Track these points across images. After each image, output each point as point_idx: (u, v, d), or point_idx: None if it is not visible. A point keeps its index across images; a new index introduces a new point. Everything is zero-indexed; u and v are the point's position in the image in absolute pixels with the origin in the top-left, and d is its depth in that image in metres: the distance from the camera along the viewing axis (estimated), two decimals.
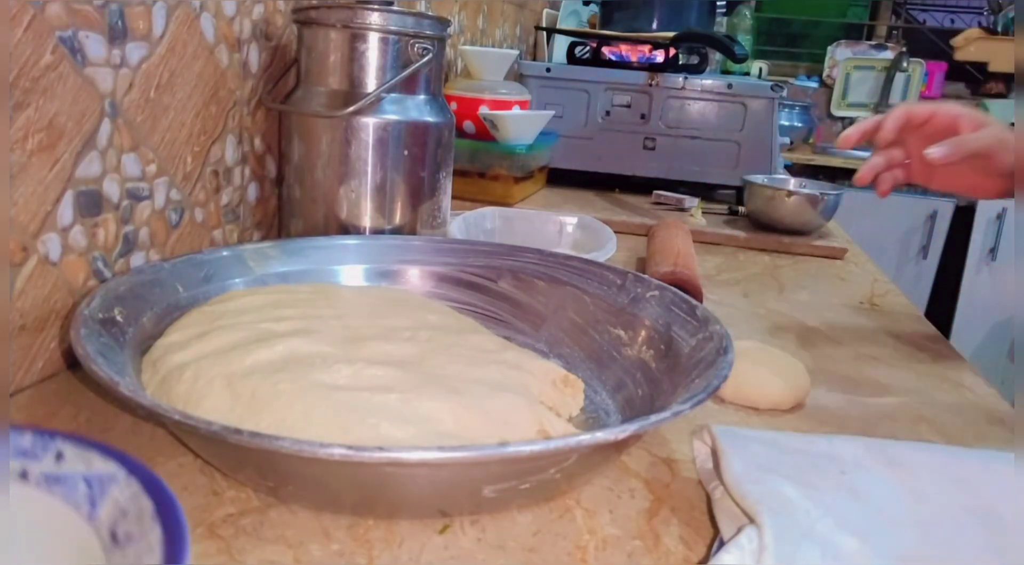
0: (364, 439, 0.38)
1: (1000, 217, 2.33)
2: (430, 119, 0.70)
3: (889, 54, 2.74)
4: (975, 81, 2.84)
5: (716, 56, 1.90)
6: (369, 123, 0.67)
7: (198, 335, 0.47)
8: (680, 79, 1.25)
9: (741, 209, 1.17)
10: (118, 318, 0.46)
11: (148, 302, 0.50)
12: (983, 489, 0.40)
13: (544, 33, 1.83)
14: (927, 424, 0.55)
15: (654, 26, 1.39)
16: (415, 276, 0.65)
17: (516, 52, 1.24)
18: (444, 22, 0.70)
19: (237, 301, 0.53)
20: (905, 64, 2.61)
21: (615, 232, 0.83)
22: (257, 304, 0.53)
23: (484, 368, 0.47)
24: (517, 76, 1.31)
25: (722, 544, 0.36)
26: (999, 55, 2.60)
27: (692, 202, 1.18)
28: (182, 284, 0.54)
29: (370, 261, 0.65)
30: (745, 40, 2.59)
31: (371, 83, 0.67)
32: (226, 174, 0.68)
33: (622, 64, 1.33)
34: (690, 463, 0.45)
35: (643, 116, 1.27)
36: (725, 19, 2.36)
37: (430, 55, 0.69)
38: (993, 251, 2.35)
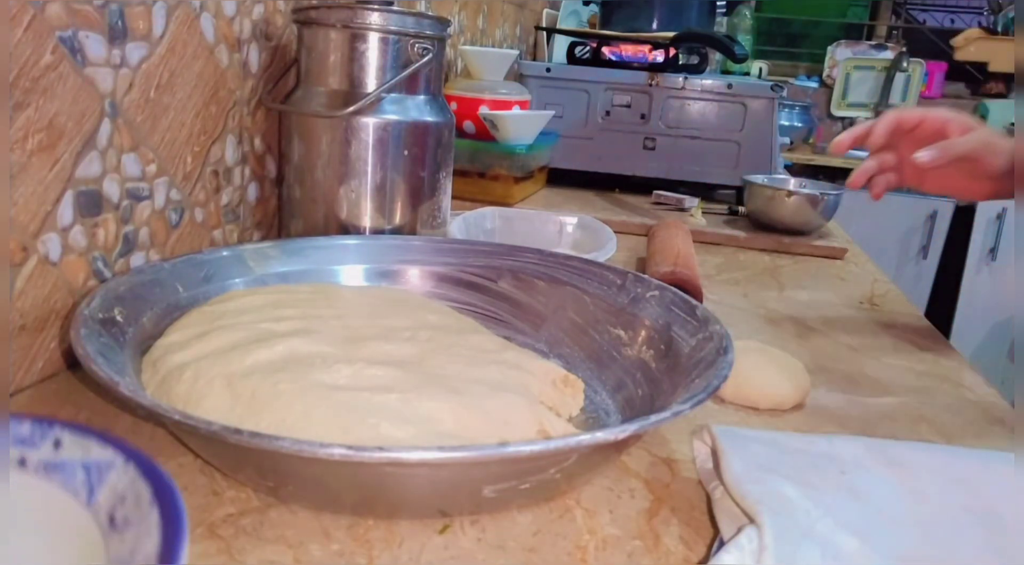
0: (364, 439, 0.38)
1: (1000, 217, 2.33)
2: (430, 119, 0.70)
3: (889, 54, 2.74)
4: (975, 81, 2.84)
5: (716, 56, 1.90)
6: (369, 123, 0.67)
7: (198, 335, 0.47)
8: (680, 79, 1.25)
9: (741, 209, 1.17)
10: (118, 318, 0.46)
11: (148, 302, 0.50)
12: (983, 489, 0.40)
13: (544, 33, 1.83)
14: (927, 424, 0.56)
15: (654, 26, 1.39)
16: (415, 276, 0.65)
17: (516, 52, 1.24)
18: (444, 22, 0.70)
19: (237, 301, 0.53)
20: (905, 64, 2.61)
21: (615, 232, 0.83)
22: (257, 304, 0.53)
23: (484, 368, 0.47)
24: (517, 76, 1.31)
25: (722, 544, 0.36)
26: (999, 55, 2.60)
27: (692, 202, 1.18)
28: (182, 284, 0.54)
29: (370, 261, 0.65)
30: (745, 40, 2.59)
31: (371, 83, 0.67)
32: (226, 174, 0.68)
33: (622, 64, 1.33)
34: (690, 463, 0.45)
35: (643, 116, 1.27)
36: (725, 19, 2.36)
37: (430, 55, 0.69)
38: (993, 251, 2.35)
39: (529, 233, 0.88)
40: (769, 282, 0.90)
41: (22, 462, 0.28)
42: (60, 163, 0.49)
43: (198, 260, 0.56)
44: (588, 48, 1.39)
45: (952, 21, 2.95)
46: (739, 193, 1.21)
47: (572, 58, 1.40)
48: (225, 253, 0.59)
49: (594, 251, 0.75)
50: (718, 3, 1.56)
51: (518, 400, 0.44)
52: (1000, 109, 2.63)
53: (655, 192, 1.23)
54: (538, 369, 0.50)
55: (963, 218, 2.39)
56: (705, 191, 1.28)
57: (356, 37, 0.66)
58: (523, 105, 1.18)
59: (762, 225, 1.09)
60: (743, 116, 1.24)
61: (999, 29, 2.64)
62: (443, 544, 0.37)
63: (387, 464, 0.33)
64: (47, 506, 0.27)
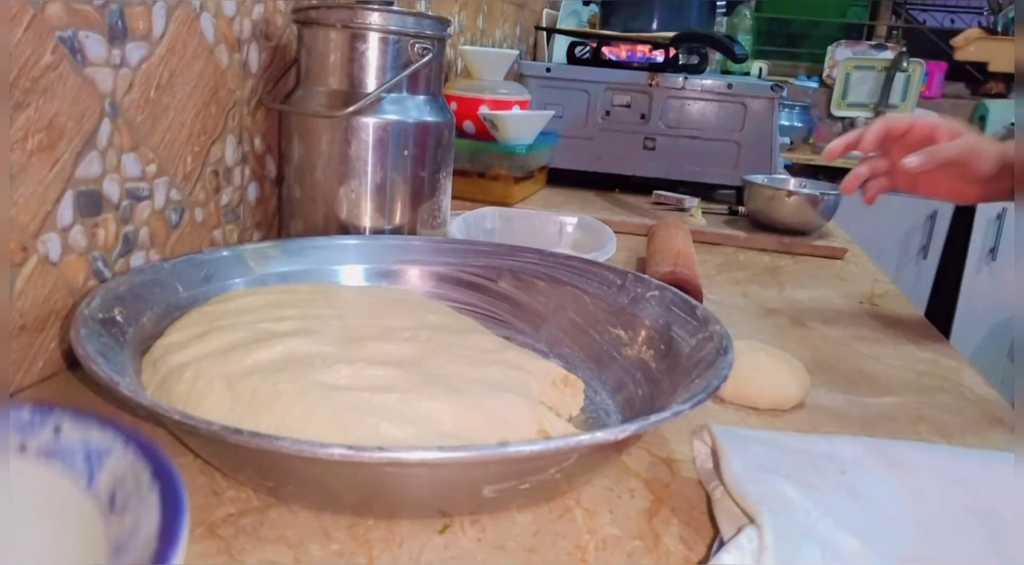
0: (364, 439, 0.38)
1: (1000, 217, 2.33)
2: (430, 119, 0.70)
3: (889, 54, 2.74)
4: (975, 81, 2.84)
5: (716, 56, 1.90)
6: (369, 123, 0.67)
7: (198, 335, 0.47)
8: (680, 79, 1.25)
9: (741, 209, 1.17)
10: (118, 318, 0.46)
11: (148, 302, 0.50)
12: (983, 489, 0.40)
13: (544, 33, 1.83)
14: (927, 424, 0.56)
15: (654, 26, 1.39)
16: (415, 276, 0.65)
17: (516, 52, 1.24)
18: (444, 22, 0.70)
19: (237, 301, 0.53)
20: (905, 64, 2.61)
21: (615, 232, 0.83)
22: (257, 304, 0.53)
23: (484, 368, 0.47)
24: (517, 76, 1.31)
25: (722, 544, 0.36)
26: (999, 55, 2.60)
27: (692, 202, 1.18)
28: (182, 284, 0.54)
29: (370, 261, 0.65)
30: (745, 40, 2.59)
31: (371, 83, 0.67)
32: (226, 174, 0.68)
33: (622, 64, 1.33)
34: (690, 463, 0.45)
35: (643, 116, 1.27)
36: (725, 19, 2.36)
37: (430, 55, 0.69)
38: (993, 251, 2.35)
39: (529, 233, 0.88)
40: (769, 282, 0.90)
41: (22, 448, 0.28)
42: (60, 163, 0.49)
43: (198, 260, 0.56)
44: (588, 48, 1.39)
45: (952, 21, 2.95)
46: (739, 193, 1.21)
47: (572, 58, 1.40)
48: (225, 253, 0.59)
49: (594, 251, 0.75)
50: (718, 3, 1.56)
51: (518, 400, 0.44)
52: (1000, 109, 2.63)
53: (655, 192, 1.23)
54: (538, 369, 0.50)
55: (963, 218, 2.39)
56: (705, 191, 1.28)
57: (356, 37, 0.66)
58: (523, 105, 1.18)
59: (762, 225, 1.09)
60: (743, 116, 1.24)
61: (999, 29, 2.64)
62: (443, 544, 0.37)
63: (387, 464, 0.33)
64: (47, 491, 0.27)
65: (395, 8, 0.67)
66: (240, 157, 0.70)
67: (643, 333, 0.54)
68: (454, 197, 0.86)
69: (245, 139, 0.71)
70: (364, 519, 0.38)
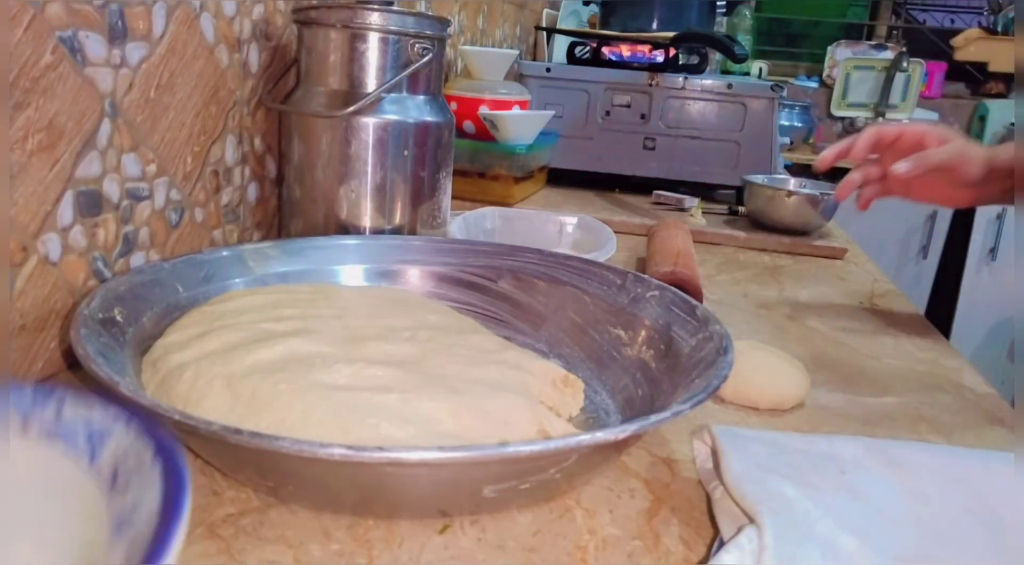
0: (364, 439, 0.38)
1: (1000, 217, 2.33)
2: (430, 119, 0.70)
3: (889, 54, 2.74)
4: (975, 81, 2.84)
5: (716, 56, 1.90)
6: (369, 123, 0.67)
7: (198, 335, 0.47)
8: (680, 79, 1.25)
9: (741, 209, 1.17)
10: (118, 318, 0.46)
11: (148, 302, 0.50)
12: (983, 489, 0.40)
13: (544, 33, 1.83)
14: (927, 424, 0.56)
15: (654, 26, 1.39)
16: (415, 276, 0.65)
17: (516, 52, 1.24)
18: (444, 22, 0.70)
19: (237, 301, 0.53)
20: (905, 64, 2.61)
21: (615, 232, 0.83)
22: (257, 304, 0.53)
23: (484, 368, 0.47)
24: (517, 76, 1.31)
25: (722, 544, 0.36)
26: (999, 55, 2.60)
27: (692, 202, 1.18)
28: (182, 284, 0.54)
29: (370, 261, 0.65)
30: (745, 40, 2.59)
31: (371, 83, 0.67)
32: (226, 174, 0.68)
33: (622, 64, 1.33)
34: (690, 463, 0.45)
35: (643, 116, 1.27)
36: (725, 19, 2.35)
37: (430, 55, 0.69)
38: (993, 251, 2.35)
39: (529, 233, 0.88)
40: (769, 282, 0.90)
41: (25, 427, 0.28)
42: (60, 163, 0.49)
43: (198, 260, 0.56)
44: (588, 48, 1.39)
45: (952, 21, 2.95)
46: (739, 193, 1.21)
47: (572, 58, 1.40)
48: (225, 253, 0.59)
49: (594, 251, 0.75)
50: (718, 3, 1.56)
51: (518, 400, 0.44)
52: (1000, 109, 2.63)
53: (655, 192, 1.23)
54: (538, 369, 0.50)
55: (963, 218, 2.39)
56: (705, 191, 1.28)
57: (356, 37, 0.66)
58: (523, 105, 1.18)
59: (762, 225, 1.09)
60: (743, 116, 1.24)
61: (999, 29, 2.64)
62: (443, 544, 0.37)
63: (387, 464, 0.33)
64: (50, 469, 0.28)
65: (395, 8, 0.67)
66: (240, 157, 0.70)
67: (643, 333, 0.54)
68: (454, 197, 0.86)
69: (245, 139, 0.71)
70: (364, 519, 0.38)
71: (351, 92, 0.67)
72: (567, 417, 0.49)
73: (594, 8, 1.79)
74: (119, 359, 0.42)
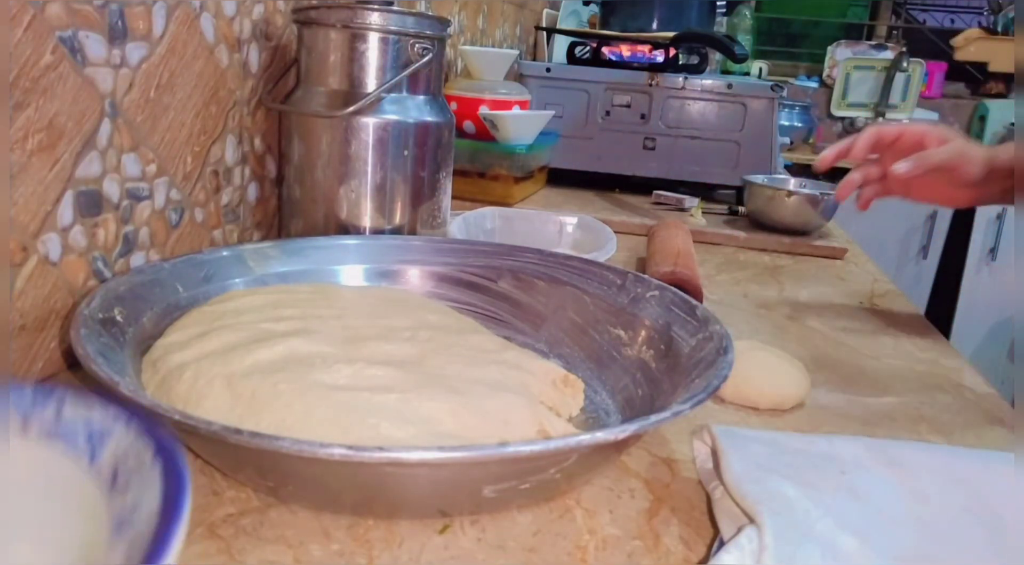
0: (364, 439, 0.38)
1: (1000, 217, 2.33)
2: (430, 119, 0.70)
3: (889, 54, 2.74)
4: (975, 81, 2.84)
5: (716, 56, 1.90)
6: (369, 123, 0.67)
7: (198, 335, 0.47)
8: (680, 79, 1.25)
9: (741, 209, 1.17)
10: (118, 318, 0.46)
11: (148, 302, 0.50)
12: (983, 489, 0.40)
13: (544, 33, 1.83)
14: (927, 424, 0.55)
15: (654, 26, 1.39)
16: (415, 276, 0.65)
17: (516, 52, 1.24)
18: (444, 22, 0.70)
19: (237, 301, 0.53)
20: (905, 64, 2.61)
21: (615, 232, 0.83)
22: (257, 304, 0.53)
23: (484, 368, 0.47)
24: (517, 76, 1.31)
25: (722, 544, 0.36)
26: (999, 55, 2.60)
27: (692, 202, 1.18)
28: (182, 284, 0.54)
29: (370, 261, 0.65)
30: (745, 40, 2.58)
31: (371, 83, 0.67)
32: (226, 174, 0.68)
33: (622, 64, 1.33)
34: (690, 463, 0.45)
35: (643, 116, 1.27)
36: (725, 19, 2.35)
37: (430, 55, 0.69)
38: (993, 251, 2.35)
39: (529, 233, 0.88)
40: (769, 282, 0.90)
41: (25, 426, 0.28)
42: (60, 163, 0.49)
43: (198, 260, 0.56)
44: (588, 48, 1.39)
45: (952, 21, 2.95)
46: (739, 193, 1.21)
47: (572, 58, 1.40)
48: (225, 253, 0.59)
49: (594, 251, 0.75)
50: (718, 3, 1.56)
51: (518, 400, 0.44)
52: (1000, 109, 2.63)
53: (655, 192, 1.23)
54: (538, 369, 0.50)
55: (963, 218, 2.39)
56: (705, 191, 1.28)
57: (356, 37, 0.66)
58: (523, 105, 1.18)
59: (762, 225, 1.09)
60: (743, 116, 1.24)
61: (999, 29, 2.64)
62: (443, 544, 0.37)
63: (387, 464, 0.33)
64: (50, 469, 0.28)
65: (395, 8, 0.67)
66: (240, 157, 0.70)
67: (643, 333, 0.54)
68: (454, 197, 0.86)
69: (245, 139, 0.71)
70: (364, 519, 0.38)
71: (351, 92, 0.67)
72: (567, 417, 0.49)
73: (594, 8, 1.79)
74: (119, 359, 0.42)
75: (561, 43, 1.79)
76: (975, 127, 2.74)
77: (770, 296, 0.84)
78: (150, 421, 0.27)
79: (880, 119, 2.72)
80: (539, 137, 1.16)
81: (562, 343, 0.59)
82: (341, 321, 0.52)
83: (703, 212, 1.15)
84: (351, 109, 0.66)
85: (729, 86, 1.24)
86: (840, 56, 2.81)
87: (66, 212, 0.50)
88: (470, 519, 0.39)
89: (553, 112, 1.19)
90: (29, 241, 0.47)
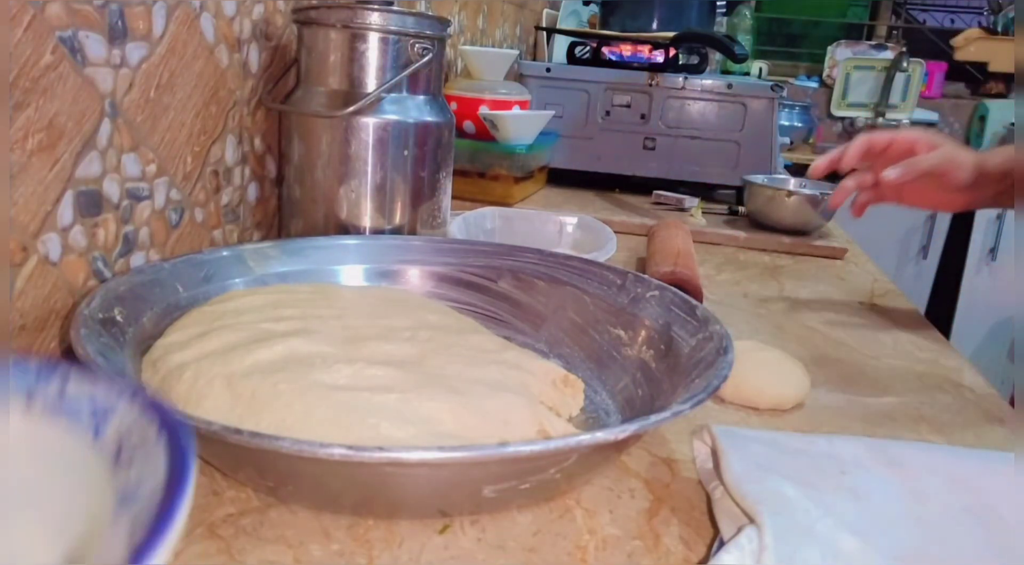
0: (364, 439, 0.38)
1: (1000, 217, 2.33)
2: (430, 119, 0.70)
3: (889, 54, 2.74)
4: (975, 81, 2.84)
5: (716, 56, 1.90)
6: (369, 123, 0.67)
7: (198, 335, 0.47)
8: (680, 79, 1.25)
9: (741, 209, 1.17)
10: (118, 318, 0.46)
11: (148, 302, 0.50)
12: (983, 489, 0.40)
13: (544, 33, 1.83)
14: (927, 424, 0.55)
15: (654, 26, 1.39)
16: (415, 276, 0.65)
17: (516, 52, 1.24)
18: (444, 22, 0.70)
19: (237, 301, 0.53)
20: (905, 64, 2.61)
21: (615, 232, 0.83)
22: (257, 304, 0.53)
23: (484, 368, 0.47)
24: (517, 76, 1.31)
25: (722, 544, 0.36)
26: (999, 55, 2.60)
27: (692, 202, 1.18)
28: (182, 284, 0.54)
29: (370, 261, 0.65)
30: (745, 40, 2.58)
31: (371, 83, 0.67)
32: (226, 174, 0.68)
33: (622, 64, 1.33)
34: (690, 463, 0.45)
35: (643, 116, 1.27)
36: (725, 19, 2.35)
37: (430, 55, 0.69)
38: (993, 251, 2.35)
39: (529, 233, 0.88)
40: (769, 282, 0.90)
41: (29, 401, 0.28)
42: (60, 163, 0.49)
43: (198, 260, 0.56)
44: (588, 48, 1.39)
45: (952, 21, 2.95)
46: (739, 193, 1.21)
47: (572, 58, 1.40)
48: (225, 253, 0.59)
49: (594, 251, 0.75)
50: (718, 3, 1.56)
51: (518, 400, 0.44)
52: (1000, 109, 2.63)
53: (655, 192, 1.23)
54: (538, 369, 0.50)
55: (963, 218, 2.39)
56: (705, 191, 1.28)
57: (356, 37, 0.66)
58: (523, 105, 1.18)
59: (762, 225, 1.09)
60: (743, 116, 1.24)
61: (999, 29, 2.64)
62: (443, 544, 0.37)
63: (387, 464, 0.33)
64: (54, 444, 0.28)
65: (395, 8, 0.67)
66: (240, 157, 0.70)
67: (643, 333, 0.54)
68: (454, 197, 0.86)
69: (245, 139, 0.71)
70: (364, 519, 0.38)
71: (351, 92, 0.67)
72: (567, 417, 0.49)
73: (594, 8, 1.79)
74: (119, 359, 0.42)
75: (561, 43, 1.79)
76: (975, 127, 2.74)
77: (770, 296, 0.84)
78: (155, 398, 0.27)
79: (880, 119, 2.72)
80: (539, 137, 1.16)
81: (562, 343, 0.59)
82: (341, 321, 0.52)
83: (703, 212, 1.15)
84: (351, 109, 0.66)
85: (729, 86, 1.24)
86: (840, 56, 2.81)
87: (66, 212, 0.50)
88: (470, 519, 0.39)
89: (553, 112, 1.19)
90: (29, 241, 0.47)
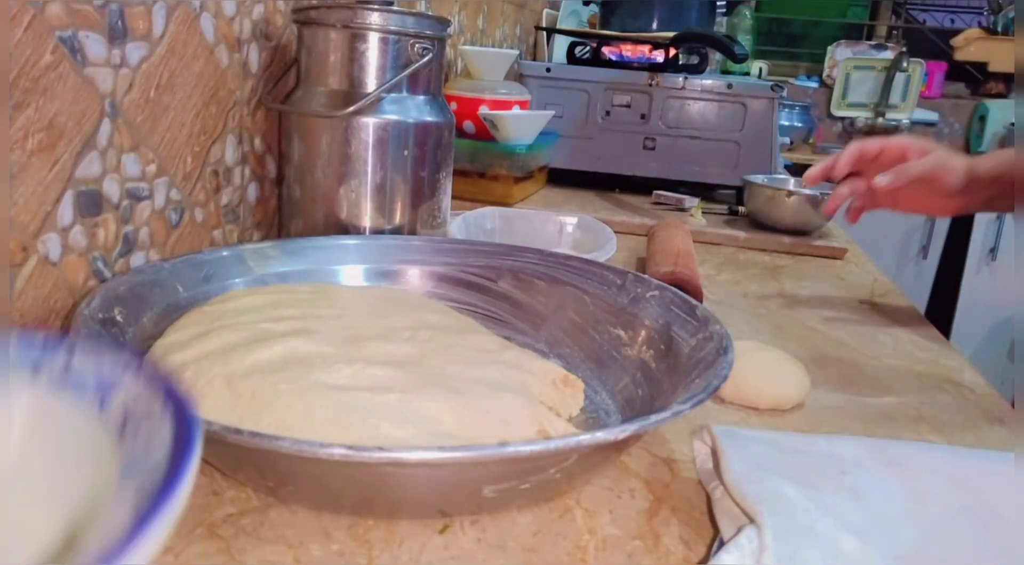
0: (364, 439, 0.38)
1: (1000, 217, 2.33)
2: (430, 119, 0.70)
3: (889, 54, 2.74)
4: (975, 81, 2.84)
5: (716, 56, 1.90)
6: (369, 123, 0.67)
7: (198, 335, 0.47)
8: (680, 79, 1.25)
9: (741, 209, 1.17)
10: (118, 318, 0.46)
11: (148, 302, 0.50)
12: (983, 489, 0.40)
13: (544, 33, 1.83)
14: (927, 424, 0.55)
15: (654, 26, 1.39)
16: (415, 276, 0.65)
17: (516, 52, 1.24)
18: (444, 22, 0.70)
19: (237, 301, 0.53)
20: (905, 64, 2.61)
21: (615, 232, 0.83)
22: (257, 304, 0.53)
23: (484, 368, 0.47)
24: (517, 76, 1.31)
25: (722, 544, 0.36)
26: (999, 55, 2.60)
27: (692, 202, 1.18)
28: (182, 284, 0.54)
29: (370, 261, 0.65)
30: (745, 40, 2.59)
31: (371, 83, 0.67)
32: (226, 174, 0.68)
33: (622, 64, 1.33)
34: (690, 463, 0.45)
35: (643, 116, 1.27)
36: (725, 19, 2.36)
37: (430, 55, 0.69)
38: (993, 251, 2.35)
39: (529, 233, 0.88)
40: (769, 282, 0.90)
41: (35, 373, 0.28)
42: (60, 163, 0.49)
43: (198, 260, 0.56)
44: (588, 48, 1.39)
45: (952, 21, 2.95)
46: (739, 193, 1.21)
47: (572, 58, 1.40)
48: (225, 253, 0.59)
49: (594, 251, 0.75)
50: (718, 3, 1.56)
51: (518, 400, 0.44)
52: (1000, 109, 2.63)
53: (655, 192, 1.23)
54: (538, 369, 0.50)
55: (963, 218, 2.39)
56: (705, 191, 1.28)
57: (356, 37, 0.66)
58: (523, 105, 1.18)
59: (762, 225, 1.09)
60: (743, 116, 1.24)
61: (999, 29, 2.64)
62: (443, 544, 0.37)
63: (387, 464, 0.33)
64: (59, 415, 0.28)
65: (395, 8, 0.67)
66: (240, 157, 0.70)
67: (643, 333, 0.54)
68: (454, 197, 0.86)
69: (245, 139, 0.71)
70: (364, 519, 0.38)
71: (351, 92, 0.67)
72: (567, 417, 0.49)
73: (594, 8, 1.79)
74: None
75: (561, 43, 1.79)
76: (975, 127, 2.74)
77: (770, 296, 0.84)
78: (161, 371, 0.27)
79: (880, 119, 2.72)
80: (539, 137, 1.16)
81: (562, 343, 0.59)
82: (341, 321, 0.52)
83: (703, 212, 1.15)
84: (351, 109, 0.66)
85: (729, 86, 1.24)
86: (840, 56, 2.81)
87: (66, 212, 0.50)
88: (470, 519, 0.39)
89: (553, 112, 1.19)
90: (29, 241, 0.47)
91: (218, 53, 0.64)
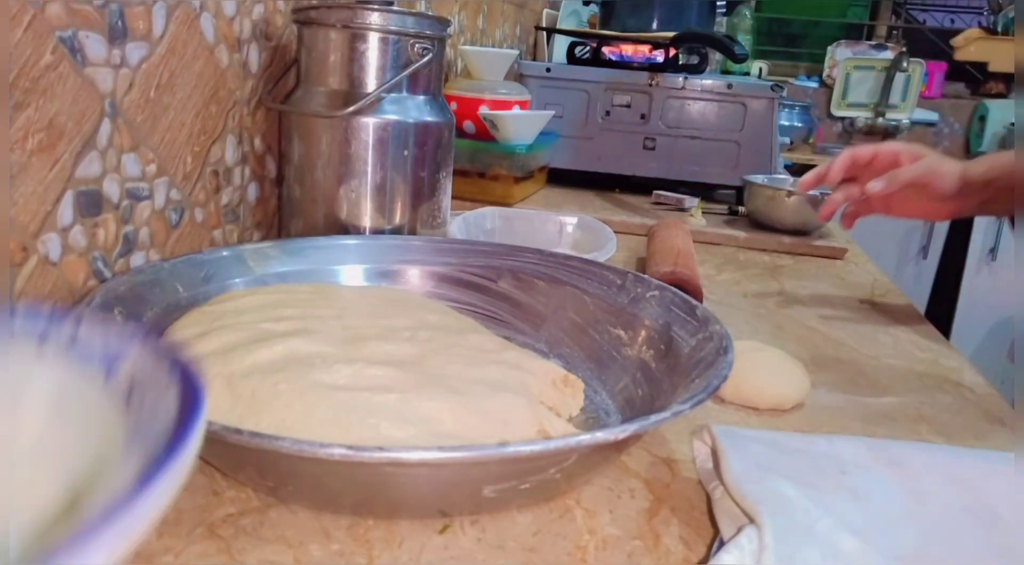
0: (364, 439, 0.38)
1: (999, 217, 2.33)
2: (430, 119, 0.70)
3: (889, 54, 2.74)
4: (975, 81, 2.84)
5: (716, 56, 1.90)
6: (369, 123, 0.67)
7: (198, 335, 0.47)
8: (680, 79, 1.25)
9: (741, 209, 1.17)
10: (118, 318, 0.46)
11: (148, 302, 0.50)
12: (983, 489, 0.40)
13: (544, 33, 1.83)
14: (927, 424, 0.55)
15: (654, 26, 1.39)
16: (415, 276, 0.65)
17: (516, 52, 1.24)
18: (444, 22, 0.70)
19: (237, 301, 0.53)
20: (905, 64, 2.61)
21: (615, 232, 0.83)
22: (257, 304, 0.53)
23: (484, 368, 0.47)
24: (517, 76, 1.31)
25: (722, 544, 0.36)
26: (999, 55, 2.60)
27: (692, 202, 1.18)
28: (182, 284, 0.54)
29: (370, 261, 0.65)
30: (745, 40, 2.59)
31: (371, 83, 0.67)
32: (226, 174, 0.68)
33: (622, 64, 1.33)
34: (690, 463, 0.45)
35: (643, 116, 1.27)
36: (725, 19, 2.36)
37: (430, 55, 0.69)
38: (993, 251, 2.35)
39: (529, 233, 0.88)
40: (769, 282, 0.90)
41: (41, 344, 0.28)
42: (60, 163, 0.49)
43: (198, 260, 0.56)
44: (588, 48, 1.39)
45: (952, 21, 2.95)
46: (739, 193, 1.21)
47: (572, 58, 1.40)
48: (225, 253, 0.59)
49: (594, 251, 0.75)
50: (718, 3, 1.56)
51: (518, 400, 0.44)
52: (1000, 109, 2.63)
53: (655, 192, 1.23)
54: (538, 369, 0.50)
55: (962, 219, 2.39)
56: (705, 191, 1.28)
57: (356, 37, 0.66)
58: (523, 105, 1.18)
59: (762, 225, 1.09)
60: (743, 116, 1.24)
61: (999, 29, 2.64)
62: (443, 544, 0.37)
63: (387, 464, 0.33)
64: (66, 385, 0.28)
65: (395, 8, 0.67)
66: (240, 157, 0.70)
67: (643, 333, 0.54)
68: (454, 197, 0.86)
69: (245, 139, 0.71)
70: (364, 519, 0.38)
71: (351, 92, 0.67)
72: (567, 417, 0.49)
73: (594, 8, 1.79)
74: None
75: (561, 43, 1.79)
76: (975, 127, 2.74)
77: (770, 296, 0.84)
78: (167, 341, 0.27)
79: (880, 119, 2.72)
80: (539, 137, 1.16)
81: (562, 343, 0.59)
82: (341, 321, 0.52)
83: (703, 212, 1.15)
84: (351, 109, 0.66)
85: (729, 86, 1.24)
86: (840, 56, 2.81)
87: (66, 212, 0.50)
88: (470, 519, 0.39)
89: (553, 112, 1.19)
90: (29, 241, 0.47)
91: (218, 53, 0.64)
